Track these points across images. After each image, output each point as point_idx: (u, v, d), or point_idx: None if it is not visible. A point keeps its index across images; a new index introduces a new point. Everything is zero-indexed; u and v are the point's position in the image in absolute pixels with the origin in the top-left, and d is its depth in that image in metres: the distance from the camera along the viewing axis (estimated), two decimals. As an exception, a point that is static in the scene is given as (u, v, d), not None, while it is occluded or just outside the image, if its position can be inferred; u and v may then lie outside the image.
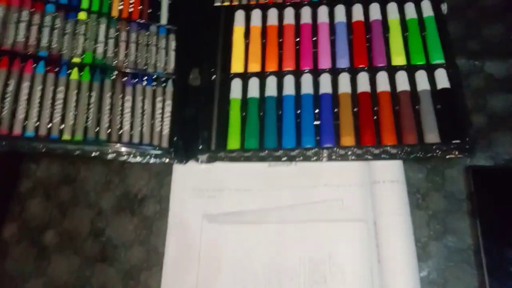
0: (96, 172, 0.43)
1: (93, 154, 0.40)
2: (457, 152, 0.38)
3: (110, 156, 0.41)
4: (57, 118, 0.40)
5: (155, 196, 0.42)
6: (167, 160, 0.42)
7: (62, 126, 0.40)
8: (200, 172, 0.42)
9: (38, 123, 0.40)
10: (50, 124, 0.40)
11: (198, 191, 0.42)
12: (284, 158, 0.40)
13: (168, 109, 0.43)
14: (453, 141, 0.37)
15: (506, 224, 0.37)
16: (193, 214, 0.41)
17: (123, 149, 0.40)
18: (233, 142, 0.41)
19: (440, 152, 0.38)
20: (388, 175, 0.38)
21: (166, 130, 0.42)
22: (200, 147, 0.41)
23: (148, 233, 0.41)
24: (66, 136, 0.40)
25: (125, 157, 0.41)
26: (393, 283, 0.35)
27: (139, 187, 0.43)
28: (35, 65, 0.41)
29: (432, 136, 0.38)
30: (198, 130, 0.42)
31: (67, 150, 0.40)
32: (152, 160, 0.41)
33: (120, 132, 0.41)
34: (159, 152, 0.40)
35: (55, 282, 0.40)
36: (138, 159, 0.41)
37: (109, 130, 0.41)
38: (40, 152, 0.40)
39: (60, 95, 0.41)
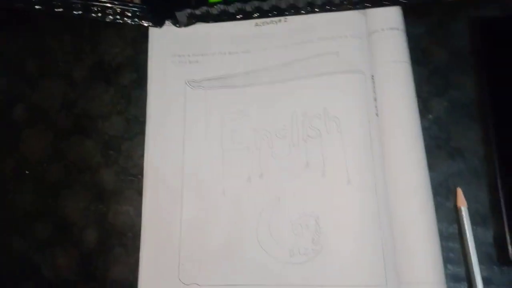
0: (64, 41, 0.39)
1: (57, 10, 0.35)
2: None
3: (76, 13, 0.36)
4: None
5: (131, 64, 0.38)
6: (141, 21, 0.37)
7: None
8: (180, 37, 0.38)
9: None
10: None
11: (179, 56, 0.37)
12: (273, 13, 0.36)
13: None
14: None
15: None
16: (174, 80, 0.37)
17: (91, 3, 0.35)
18: (215, -5, 0.36)
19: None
20: (387, 22, 0.35)
21: (138, -15, 0.37)
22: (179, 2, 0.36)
23: (126, 102, 0.37)
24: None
25: (94, 15, 0.36)
26: (392, 135, 0.33)
27: (113, 55, 0.38)
28: None
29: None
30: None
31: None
32: (124, 20, 0.37)
33: (86, -13, 0.36)
34: (131, 8, 0.35)
35: (28, 158, 0.36)
36: (109, 18, 0.36)
37: (73, -17, 0.36)
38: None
39: None
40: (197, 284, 0.32)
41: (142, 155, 0.35)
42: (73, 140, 0.36)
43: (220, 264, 0.32)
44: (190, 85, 0.37)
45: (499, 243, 0.31)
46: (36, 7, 0.35)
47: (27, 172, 0.36)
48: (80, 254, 0.34)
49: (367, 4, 0.35)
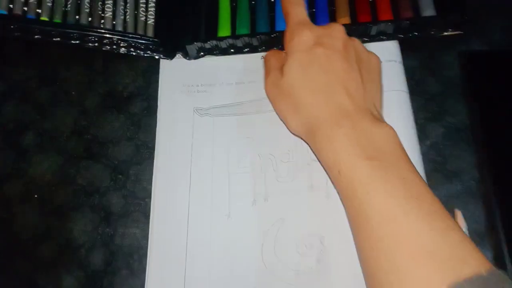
0: (77, 72, 0.41)
1: (74, 42, 0.37)
2: (451, 30, 0.37)
3: (92, 45, 0.38)
4: (32, -1, 0.37)
5: (142, 94, 0.40)
6: (153, 54, 0.39)
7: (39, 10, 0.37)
8: (190, 69, 0.40)
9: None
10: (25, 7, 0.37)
11: (188, 86, 0.39)
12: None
13: (153, -3, 0.40)
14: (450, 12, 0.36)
15: (502, 102, 0.37)
16: (183, 108, 0.39)
17: (106, 36, 0.37)
18: (224, 30, 0.39)
19: (436, 29, 0.37)
20: (385, 55, 0.37)
21: (151, 20, 0.39)
22: (189, 36, 0.39)
23: (136, 129, 0.39)
24: (44, 19, 0.37)
25: (108, 48, 0.38)
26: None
27: (125, 86, 0.40)
28: None
29: (428, 10, 0.37)
30: (185, 20, 0.39)
31: (45, 32, 0.37)
32: (137, 52, 0.39)
33: (102, 21, 0.38)
34: (144, 41, 0.38)
35: (37, 181, 0.37)
36: (123, 50, 0.39)
37: (90, 19, 0.38)
38: (16, 37, 0.36)
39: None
40: (203, 306, 0.32)
41: (150, 179, 0.36)
42: (83, 164, 0.38)
43: (225, 285, 0.32)
44: (198, 112, 0.39)
45: (498, 261, 0.32)
46: (54, 39, 0.38)
47: (35, 196, 0.37)
48: (86, 275, 0.34)
49: (366, 39, 0.38)
